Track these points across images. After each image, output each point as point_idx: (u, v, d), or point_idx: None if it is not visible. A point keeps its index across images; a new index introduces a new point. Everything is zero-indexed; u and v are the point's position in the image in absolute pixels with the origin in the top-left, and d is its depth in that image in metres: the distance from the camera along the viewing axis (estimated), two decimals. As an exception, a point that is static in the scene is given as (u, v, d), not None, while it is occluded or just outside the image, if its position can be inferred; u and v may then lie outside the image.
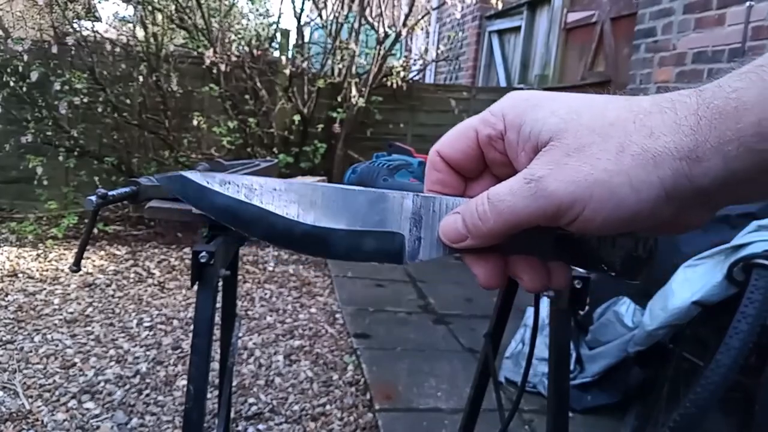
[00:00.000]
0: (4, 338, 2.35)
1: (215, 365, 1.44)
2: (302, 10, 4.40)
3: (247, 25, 5.17)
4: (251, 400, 2.07)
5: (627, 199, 0.30)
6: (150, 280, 3.22)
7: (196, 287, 0.92)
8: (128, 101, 3.97)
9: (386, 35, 4.33)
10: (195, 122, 3.91)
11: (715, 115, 0.28)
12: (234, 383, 2.10)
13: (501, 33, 6.03)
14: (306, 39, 4.64)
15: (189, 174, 0.37)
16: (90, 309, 2.75)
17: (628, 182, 0.29)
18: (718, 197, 0.30)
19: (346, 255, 0.36)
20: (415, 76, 5.20)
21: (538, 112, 0.33)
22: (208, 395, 1.86)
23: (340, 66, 4.32)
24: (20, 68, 3.62)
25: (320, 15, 4.44)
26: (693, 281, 1.65)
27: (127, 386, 2.07)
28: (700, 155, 0.28)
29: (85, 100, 3.74)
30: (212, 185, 0.36)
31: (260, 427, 1.91)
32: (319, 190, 0.36)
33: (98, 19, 5.11)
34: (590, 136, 0.31)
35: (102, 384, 2.06)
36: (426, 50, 5.55)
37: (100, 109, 3.91)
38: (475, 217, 0.33)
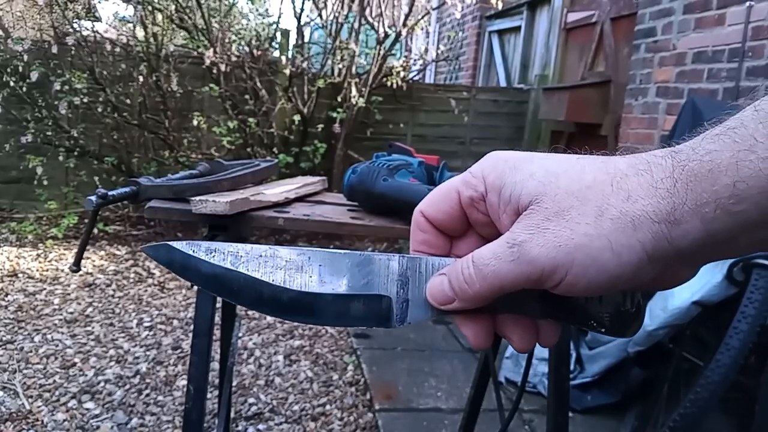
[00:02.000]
0: (4, 338, 2.35)
1: (215, 365, 1.44)
2: (302, 10, 4.39)
3: (247, 25, 5.17)
4: (251, 400, 2.07)
5: (609, 263, 0.30)
6: (150, 280, 3.22)
7: (195, 287, 0.92)
8: (128, 101, 3.97)
9: (386, 35, 4.33)
10: (195, 122, 3.91)
11: (690, 178, 0.29)
12: (234, 383, 2.10)
13: (501, 33, 6.03)
14: (306, 39, 4.64)
15: (175, 244, 0.37)
16: (90, 309, 2.75)
17: (609, 246, 0.30)
18: (699, 257, 0.31)
19: (335, 321, 0.36)
20: (415, 76, 5.20)
21: (516, 174, 0.33)
22: (208, 395, 1.86)
23: (340, 66, 4.32)
24: (20, 68, 3.62)
25: (320, 15, 4.43)
26: (693, 281, 1.64)
27: (127, 386, 2.07)
28: (678, 218, 0.29)
29: (85, 100, 3.73)
30: (198, 254, 0.36)
31: (260, 427, 1.91)
32: (306, 254, 0.36)
33: (98, 19, 5.11)
34: (569, 200, 0.31)
35: (102, 384, 2.06)
36: (426, 50, 5.55)
37: (100, 109, 3.91)
38: (461, 280, 0.34)
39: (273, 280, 0.35)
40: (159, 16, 4.08)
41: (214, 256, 0.36)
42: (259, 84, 4.10)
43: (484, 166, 0.35)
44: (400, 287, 0.36)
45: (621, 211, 0.30)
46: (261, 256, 0.36)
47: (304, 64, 4.30)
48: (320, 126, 4.28)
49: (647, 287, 0.34)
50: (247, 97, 4.12)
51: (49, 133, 3.85)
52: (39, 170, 3.72)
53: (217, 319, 1.13)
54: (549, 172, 0.32)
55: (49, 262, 3.37)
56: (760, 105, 0.29)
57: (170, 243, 0.37)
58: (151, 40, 3.99)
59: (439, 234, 0.38)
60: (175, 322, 2.67)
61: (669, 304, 1.68)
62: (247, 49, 4.26)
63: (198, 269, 0.36)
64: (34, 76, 3.58)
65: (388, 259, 0.36)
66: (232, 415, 1.92)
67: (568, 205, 0.31)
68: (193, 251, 0.36)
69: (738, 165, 0.28)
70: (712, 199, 0.28)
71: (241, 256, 0.36)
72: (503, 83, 5.81)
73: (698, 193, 0.29)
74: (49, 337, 2.40)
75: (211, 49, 3.89)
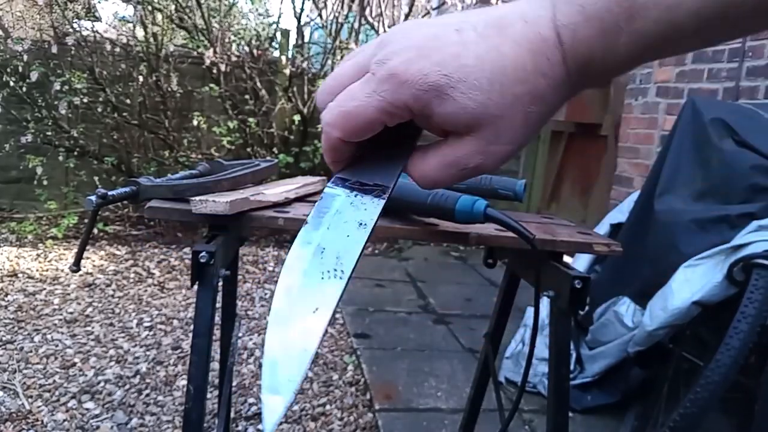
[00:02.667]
0: (4, 338, 2.35)
1: (215, 365, 1.44)
2: (302, 10, 4.40)
3: (247, 25, 5.17)
4: (251, 400, 2.07)
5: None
6: (150, 280, 3.22)
7: (196, 287, 0.92)
8: (128, 101, 3.97)
9: (386, 35, 4.33)
10: (195, 122, 3.91)
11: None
12: (234, 383, 2.10)
13: (501, 33, 6.04)
14: (306, 39, 4.64)
15: None
16: (90, 309, 2.75)
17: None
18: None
19: None
20: (415, 76, 5.20)
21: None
22: (208, 395, 1.86)
23: (340, 66, 4.31)
24: (20, 68, 3.62)
25: (320, 15, 4.43)
26: (693, 281, 1.65)
27: (127, 386, 2.07)
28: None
29: (85, 100, 3.73)
30: None
31: (260, 426, 1.91)
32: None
33: (98, 19, 5.11)
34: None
35: (102, 384, 2.06)
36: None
37: (100, 109, 3.91)
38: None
39: None
40: (159, 16, 4.08)
41: None
42: (259, 84, 4.10)
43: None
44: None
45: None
46: None
47: (304, 64, 4.30)
48: (320, 126, 4.28)
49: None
50: (247, 97, 4.12)
51: (49, 133, 3.85)
52: (39, 170, 3.72)
53: (217, 319, 1.13)
54: None
55: (48, 262, 3.37)
56: None
57: None
58: (151, 40, 3.99)
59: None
60: (175, 322, 2.67)
61: (669, 304, 1.68)
62: (247, 49, 4.26)
63: None
64: (33, 76, 3.59)
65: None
66: (232, 415, 1.92)
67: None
68: None
69: None
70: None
71: None
72: (503, 83, 5.82)
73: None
74: (49, 337, 2.40)
75: (211, 49, 3.89)
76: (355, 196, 0.35)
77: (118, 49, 4.03)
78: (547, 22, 0.30)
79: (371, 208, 0.34)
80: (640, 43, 0.29)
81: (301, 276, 0.32)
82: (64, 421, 1.83)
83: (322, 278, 0.32)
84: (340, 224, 0.34)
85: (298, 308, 0.31)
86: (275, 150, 4.17)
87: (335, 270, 0.32)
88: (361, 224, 0.33)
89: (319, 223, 0.34)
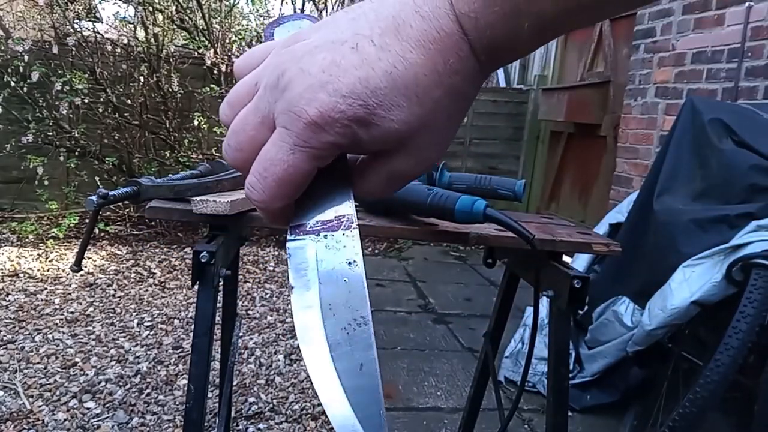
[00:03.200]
0: (5, 338, 2.36)
1: (216, 365, 1.45)
2: (302, 10, 4.41)
3: (247, 25, 5.18)
4: (252, 399, 2.07)
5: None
6: (151, 280, 3.23)
7: (196, 287, 0.93)
8: (129, 101, 3.98)
9: (386, 36, 4.35)
10: (196, 122, 3.92)
11: None
12: (234, 382, 2.11)
13: (501, 33, 6.04)
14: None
15: None
16: (91, 309, 2.75)
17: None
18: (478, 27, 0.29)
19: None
20: (415, 76, 5.21)
21: None
22: (209, 394, 1.87)
23: (341, 66, 4.33)
24: (21, 68, 3.62)
25: (320, 16, 4.45)
26: (692, 281, 1.65)
27: (128, 386, 2.07)
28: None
29: (86, 100, 3.74)
30: None
31: (260, 426, 1.92)
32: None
33: (99, 20, 5.11)
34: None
35: (103, 383, 2.07)
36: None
37: (101, 110, 3.92)
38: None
39: None
40: (160, 17, 4.09)
41: None
42: (259, 84, 4.11)
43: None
44: None
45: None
46: None
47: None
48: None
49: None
50: (247, 97, 4.12)
51: (50, 134, 3.85)
52: (40, 170, 3.73)
53: (218, 318, 1.14)
54: None
55: (50, 262, 3.38)
56: None
57: None
58: (152, 40, 4.00)
59: None
60: (176, 321, 2.68)
61: (668, 304, 1.69)
62: (247, 49, 4.27)
63: None
64: (34, 76, 3.59)
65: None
66: (233, 414, 1.92)
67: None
68: None
69: None
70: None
71: None
72: (503, 84, 5.82)
73: None
74: (49, 336, 2.41)
75: (212, 50, 3.90)
76: (325, 237, 0.32)
77: (119, 50, 4.04)
78: (445, 13, 0.28)
79: (349, 242, 0.31)
80: (543, 22, 0.28)
81: (325, 346, 0.29)
82: (65, 420, 1.84)
83: (348, 334, 0.30)
84: (329, 273, 0.31)
85: (346, 379, 0.29)
86: (275, 150, 4.17)
87: (355, 320, 0.30)
88: (350, 263, 0.31)
89: (307, 282, 0.31)
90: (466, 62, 0.29)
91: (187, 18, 4.09)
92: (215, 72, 3.98)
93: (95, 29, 4.04)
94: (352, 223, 0.32)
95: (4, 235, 3.76)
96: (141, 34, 4.09)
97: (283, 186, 0.30)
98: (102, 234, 3.89)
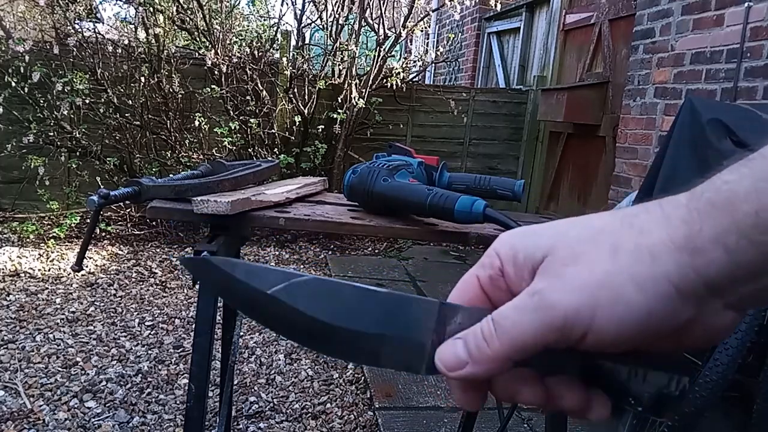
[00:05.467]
0: (5, 338, 2.36)
1: (216, 364, 1.46)
2: (303, 11, 4.42)
3: (248, 26, 5.19)
4: (252, 398, 2.08)
5: (634, 298, 0.28)
6: (152, 280, 3.24)
7: (197, 286, 0.93)
8: (130, 102, 3.98)
9: (386, 37, 4.35)
10: (196, 123, 3.93)
11: (707, 207, 0.28)
12: (235, 382, 2.11)
13: (500, 34, 6.05)
14: (306, 40, 4.66)
15: (213, 259, 0.37)
16: (92, 308, 2.76)
17: (630, 280, 0.28)
18: (735, 293, 0.28)
19: (367, 360, 0.35)
20: (414, 77, 5.21)
21: (527, 239, 0.33)
22: (210, 394, 1.87)
23: (341, 67, 4.33)
24: (22, 69, 3.63)
25: (321, 17, 4.45)
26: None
27: (129, 385, 2.08)
28: (699, 246, 0.27)
29: (87, 100, 3.75)
30: (236, 274, 0.35)
31: (261, 425, 1.93)
32: (345, 288, 0.35)
33: (100, 21, 5.12)
34: (581, 245, 0.30)
35: (104, 383, 2.07)
36: (426, 51, 5.56)
37: (102, 110, 3.92)
38: (480, 337, 0.31)
39: (306, 309, 0.34)
40: (160, 18, 4.10)
41: (252, 278, 0.35)
42: (260, 85, 4.11)
43: (496, 245, 0.34)
44: (436, 335, 0.34)
45: (635, 244, 0.29)
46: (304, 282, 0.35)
47: (305, 66, 4.31)
48: (321, 127, 4.30)
49: (696, 342, 0.30)
50: (248, 98, 4.13)
51: (51, 134, 3.86)
52: (41, 170, 3.74)
53: (219, 318, 1.15)
54: (558, 230, 0.32)
55: (51, 261, 3.39)
56: None
57: (209, 258, 0.37)
58: (153, 41, 4.01)
59: None
60: (177, 321, 2.68)
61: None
62: (248, 50, 4.28)
63: (235, 290, 0.35)
64: (35, 76, 3.60)
65: (427, 304, 0.34)
66: (234, 413, 1.93)
67: (582, 250, 0.30)
68: (232, 271, 0.35)
69: (758, 194, 0.26)
70: (733, 228, 0.26)
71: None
72: (502, 84, 5.83)
73: (717, 221, 0.27)
74: (50, 336, 2.41)
75: (213, 51, 3.91)
76: None
77: (120, 51, 4.04)
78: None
79: None
80: None
81: None
82: (66, 420, 1.84)
83: None
84: None
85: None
86: (276, 150, 4.18)
87: None
88: None
89: None
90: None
91: (187, 19, 4.10)
92: (216, 73, 3.99)
93: (96, 30, 4.05)
94: None
95: (5, 235, 3.76)
96: (142, 34, 4.10)
97: None
98: (103, 234, 3.89)
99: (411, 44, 7.56)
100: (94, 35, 3.95)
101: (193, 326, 0.95)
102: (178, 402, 2.00)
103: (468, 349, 0.32)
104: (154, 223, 4.06)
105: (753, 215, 0.26)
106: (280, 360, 2.39)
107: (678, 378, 0.33)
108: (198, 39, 4.10)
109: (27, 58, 3.61)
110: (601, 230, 0.30)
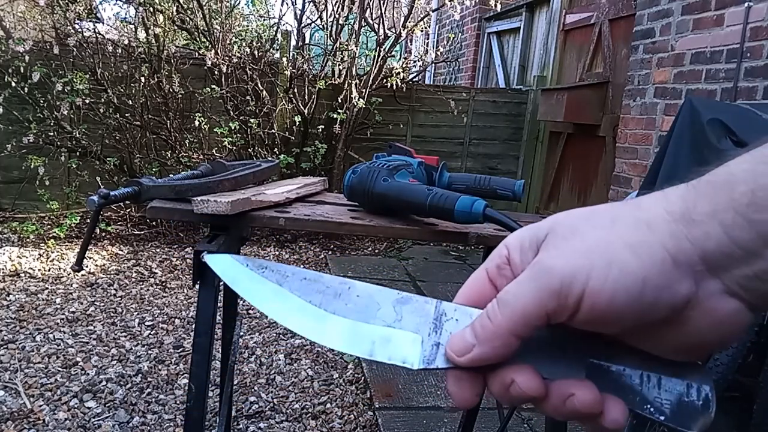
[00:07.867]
0: (6, 337, 2.36)
1: (216, 364, 1.46)
2: (303, 11, 4.42)
3: (248, 26, 5.19)
4: (252, 398, 2.08)
5: (629, 262, 0.29)
6: (152, 280, 3.24)
7: (197, 286, 0.94)
8: (130, 102, 3.98)
9: (386, 37, 4.35)
10: (196, 123, 3.93)
11: (705, 186, 0.29)
12: (235, 382, 2.11)
13: (500, 34, 6.05)
14: (306, 40, 4.66)
15: (234, 258, 0.40)
16: (92, 308, 2.76)
17: (626, 246, 0.29)
18: (730, 273, 0.28)
19: (361, 351, 0.35)
20: (414, 77, 5.22)
21: (533, 228, 0.34)
22: (210, 394, 1.87)
23: (341, 67, 4.33)
24: (22, 69, 3.63)
25: (321, 17, 4.45)
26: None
27: (129, 385, 2.08)
28: (696, 218, 0.28)
29: (87, 100, 3.75)
30: (252, 269, 0.39)
31: (261, 425, 1.93)
32: (347, 284, 0.37)
33: (100, 21, 5.12)
34: (581, 221, 0.32)
35: (104, 383, 2.07)
36: (426, 52, 5.56)
37: (102, 110, 3.93)
38: (485, 317, 0.32)
39: (310, 301, 0.37)
40: (160, 18, 4.10)
41: (264, 272, 0.39)
42: (260, 85, 4.12)
43: (506, 239, 0.35)
44: (433, 330, 0.35)
45: (634, 217, 0.30)
46: (305, 279, 0.38)
47: (305, 66, 4.31)
48: (321, 127, 4.30)
49: (704, 336, 0.30)
50: (248, 98, 4.13)
51: (51, 134, 3.86)
52: (41, 170, 3.74)
53: (219, 318, 1.15)
54: (559, 216, 0.33)
55: (51, 261, 3.39)
56: None
57: (232, 256, 0.41)
58: (153, 41, 4.01)
59: None
60: (177, 321, 2.68)
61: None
62: (248, 50, 4.28)
63: (248, 282, 0.39)
64: (35, 76, 3.60)
65: (425, 302, 0.36)
66: (234, 413, 1.93)
67: (581, 224, 0.31)
68: (248, 266, 0.39)
69: (755, 174, 0.27)
70: (729, 205, 0.27)
71: (287, 276, 0.38)
72: (502, 84, 5.83)
73: (714, 198, 0.28)
74: (50, 336, 2.41)
75: (213, 51, 3.91)
76: None
77: (120, 51, 4.04)
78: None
79: None
80: None
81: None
82: (66, 420, 1.84)
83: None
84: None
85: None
86: (276, 150, 4.18)
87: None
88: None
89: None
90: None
91: (187, 19, 4.10)
92: (216, 73, 3.99)
93: (96, 30, 4.05)
94: None
95: (5, 235, 3.76)
96: (142, 34, 4.10)
97: None
98: (103, 234, 3.89)
99: (411, 44, 7.56)
100: (94, 35, 3.95)
101: (193, 326, 0.95)
102: (178, 402, 2.00)
103: (475, 331, 0.32)
104: (154, 223, 4.06)
105: (749, 194, 0.27)
106: (280, 360, 2.39)
107: (698, 386, 0.31)
108: (198, 39, 4.10)
109: (27, 58, 3.61)
110: (603, 209, 0.32)
